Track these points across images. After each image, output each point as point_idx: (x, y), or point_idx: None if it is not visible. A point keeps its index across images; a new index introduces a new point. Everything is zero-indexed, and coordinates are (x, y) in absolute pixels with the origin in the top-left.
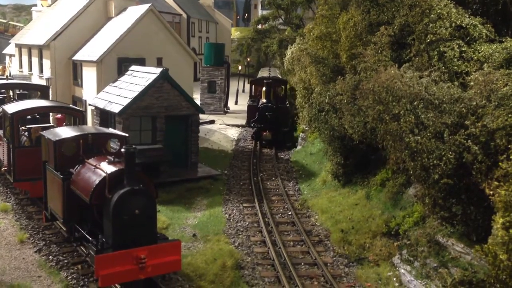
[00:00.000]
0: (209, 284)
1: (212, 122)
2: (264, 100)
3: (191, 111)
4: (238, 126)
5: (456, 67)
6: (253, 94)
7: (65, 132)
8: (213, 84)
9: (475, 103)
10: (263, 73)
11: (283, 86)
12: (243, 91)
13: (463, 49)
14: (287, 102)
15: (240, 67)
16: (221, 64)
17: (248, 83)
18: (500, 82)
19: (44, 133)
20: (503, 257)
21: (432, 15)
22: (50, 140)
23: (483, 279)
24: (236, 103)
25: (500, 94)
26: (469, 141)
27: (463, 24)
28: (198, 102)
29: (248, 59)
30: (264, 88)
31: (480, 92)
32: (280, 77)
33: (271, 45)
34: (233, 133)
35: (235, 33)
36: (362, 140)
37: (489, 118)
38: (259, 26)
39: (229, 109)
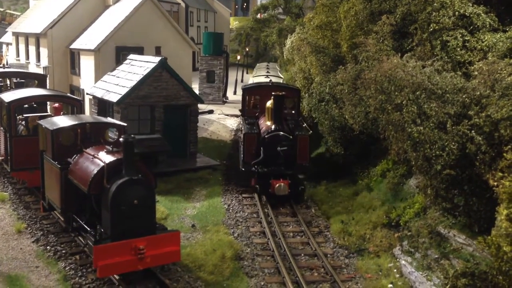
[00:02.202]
0: (208, 275)
1: (211, 112)
2: (271, 126)
3: (190, 101)
4: (236, 116)
5: (459, 57)
6: (247, 107)
7: (63, 121)
8: (211, 73)
9: (479, 93)
10: (260, 71)
11: (295, 98)
12: (242, 81)
13: (466, 38)
14: (303, 123)
15: (239, 57)
16: (220, 54)
17: (247, 72)
18: (505, 72)
19: (42, 122)
20: (507, 249)
21: (435, 4)
22: (48, 129)
23: (485, 271)
24: (234, 93)
25: (505, 84)
26: (472, 131)
27: (466, 13)
28: (196, 91)
29: (247, 49)
30: (270, 105)
31: (484, 82)
32: (281, 76)
33: (271, 35)
34: (232, 123)
35: (234, 23)
36: (363, 131)
37: (493, 108)
38: (258, 16)
39: (227, 99)
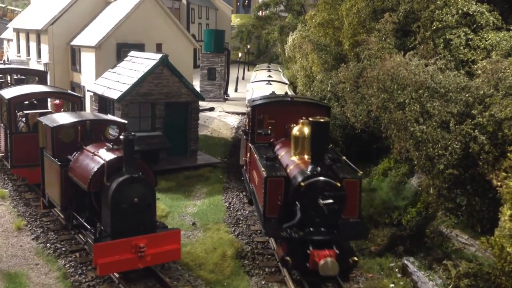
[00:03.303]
0: (209, 274)
1: (211, 109)
2: (307, 166)
3: (190, 98)
4: (238, 113)
5: (462, 55)
6: (256, 125)
7: (63, 118)
8: (213, 71)
9: (482, 92)
10: (260, 73)
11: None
12: (243, 78)
13: (470, 37)
14: (341, 156)
15: (240, 54)
16: (221, 51)
17: (248, 70)
18: (508, 70)
19: (42, 119)
20: (510, 250)
21: (438, 2)
22: (48, 126)
23: (488, 272)
24: (236, 90)
25: (509, 83)
26: (476, 131)
27: (469, 11)
28: (197, 89)
29: (248, 46)
30: (297, 132)
31: (488, 81)
32: (286, 82)
33: (272, 32)
34: (233, 120)
35: (235, 20)
36: (365, 129)
37: (497, 108)
38: (260, 13)
39: (229, 97)
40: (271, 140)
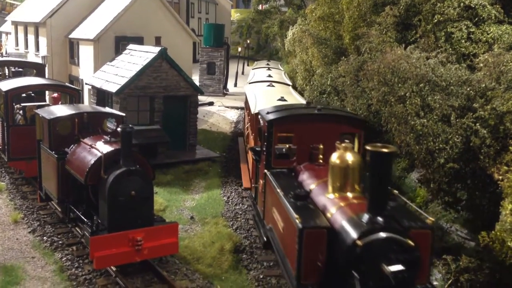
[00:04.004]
0: (206, 268)
1: (211, 103)
2: (363, 215)
3: (189, 92)
4: (237, 108)
5: (463, 49)
6: (274, 145)
7: (60, 110)
8: (212, 65)
9: (484, 85)
10: (259, 72)
11: (358, 133)
12: (243, 73)
13: (471, 30)
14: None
15: (239, 49)
16: (221, 45)
17: (248, 65)
18: (511, 64)
19: (39, 111)
20: (511, 244)
21: None
22: (45, 119)
23: (489, 266)
24: (235, 85)
25: (510, 76)
26: (477, 124)
27: (471, 4)
28: (197, 83)
29: (248, 41)
30: (337, 160)
31: (490, 74)
32: (288, 83)
33: (272, 26)
34: (232, 115)
35: (235, 15)
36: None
37: (498, 101)
38: (260, 7)
39: (228, 91)
40: (294, 165)
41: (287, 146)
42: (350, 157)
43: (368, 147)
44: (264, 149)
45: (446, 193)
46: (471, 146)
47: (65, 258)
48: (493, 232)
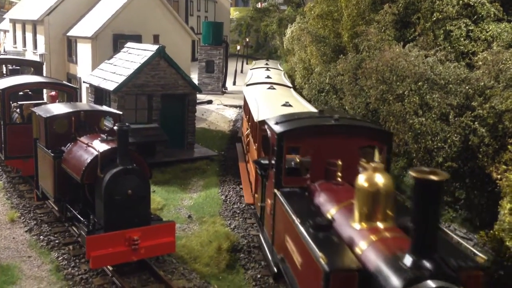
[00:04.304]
0: (204, 267)
1: (209, 102)
2: (392, 253)
3: (188, 90)
4: (236, 106)
5: (462, 47)
6: (285, 161)
7: (57, 108)
8: (211, 63)
9: (482, 83)
10: (258, 72)
11: (383, 148)
12: (242, 71)
13: (470, 28)
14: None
15: (238, 47)
16: (220, 44)
17: (247, 63)
18: (510, 62)
19: (35, 109)
20: (510, 244)
21: None
22: (41, 117)
23: (488, 266)
24: (234, 83)
25: (509, 74)
26: (475, 123)
27: (470, 2)
28: (195, 81)
29: (247, 40)
30: (366, 185)
31: (488, 72)
32: (289, 85)
33: (271, 24)
34: (231, 113)
35: (234, 13)
36: None
37: (497, 100)
38: (259, 5)
39: (227, 90)
40: (308, 183)
41: (297, 158)
42: (381, 180)
43: (412, 173)
44: (273, 164)
45: (444, 192)
46: (469, 145)
47: (61, 258)
48: (491, 231)
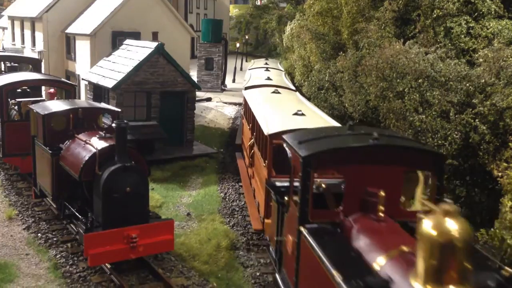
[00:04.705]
0: (202, 265)
1: (209, 99)
2: None
3: (187, 87)
4: (235, 104)
5: (463, 44)
6: (311, 191)
7: (55, 105)
8: (210, 61)
9: (483, 80)
10: (257, 73)
11: (432, 171)
12: (241, 69)
13: (471, 25)
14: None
15: (238, 45)
16: (219, 41)
17: (247, 60)
18: (511, 59)
19: (33, 106)
20: (511, 242)
21: None
22: (39, 114)
23: None
24: (233, 81)
25: (510, 71)
26: (476, 120)
27: None
28: (195, 79)
29: (247, 37)
30: (451, 234)
31: (489, 70)
32: (293, 88)
33: (270, 22)
34: (230, 111)
35: (234, 10)
36: (363, 119)
37: (498, 97)
38: (258, 2)
39: (226, 87)
40: (341, 218)
41: (322, 184)
42: (455, 227)
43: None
44: (294, 190)
45: (444, 190)
46: (470, 142)
47: (59, 255)
48: (492, 229)
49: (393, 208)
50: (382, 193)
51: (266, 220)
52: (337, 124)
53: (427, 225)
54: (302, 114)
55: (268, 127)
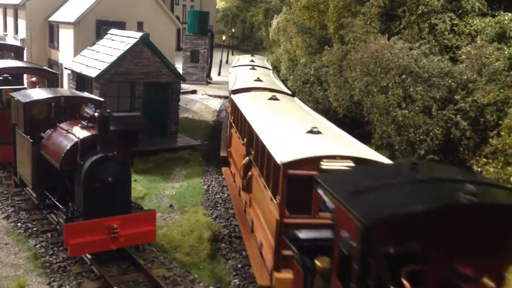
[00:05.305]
0: (184, 256)
1: (194, 92)
2: None
3: (171, 79)
4: (220, 97)
5: (446, 41)
6: (361, 265)
7: (37, 94)
8: (196, 53)
9: (465, 77)
10: (243, 73)
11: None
12: (227, 62)
13: (455, 22)
14: None
15: (224, 38)
16: (205, 33)
17: (233, 54)
18: (493, 56)
19: (14, 94)
20: None
21: None
22: (20, 102)
23: None
24: (219, 74)
25: (492, 69)
26: (458, 116)
27: None
28: (180, 71)
29: (233, 30)
30: None
31: (472, 66)
32: (289, 92)
33: (257, 15)
34: (215, 103)
35: (220, 3)
36: (347, 114)
37: (480, 93)
38: None
39: (211, 80)
40: None
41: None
42: None
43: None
44: (345, 261)
45: None
46: (451, 138)
47: (39, 245)
48: None
49: None
50: (487, 280)
51: (276, 275)
52: (360, 145)
53: None
54: (319, 132)
55: (281, 153)
